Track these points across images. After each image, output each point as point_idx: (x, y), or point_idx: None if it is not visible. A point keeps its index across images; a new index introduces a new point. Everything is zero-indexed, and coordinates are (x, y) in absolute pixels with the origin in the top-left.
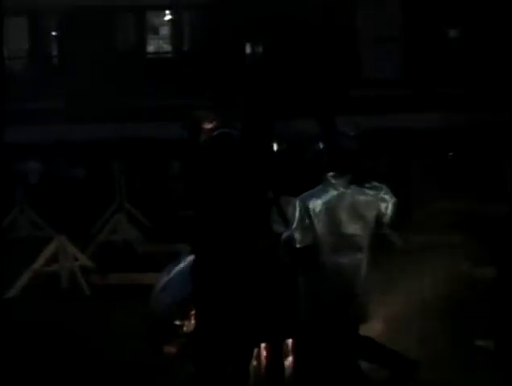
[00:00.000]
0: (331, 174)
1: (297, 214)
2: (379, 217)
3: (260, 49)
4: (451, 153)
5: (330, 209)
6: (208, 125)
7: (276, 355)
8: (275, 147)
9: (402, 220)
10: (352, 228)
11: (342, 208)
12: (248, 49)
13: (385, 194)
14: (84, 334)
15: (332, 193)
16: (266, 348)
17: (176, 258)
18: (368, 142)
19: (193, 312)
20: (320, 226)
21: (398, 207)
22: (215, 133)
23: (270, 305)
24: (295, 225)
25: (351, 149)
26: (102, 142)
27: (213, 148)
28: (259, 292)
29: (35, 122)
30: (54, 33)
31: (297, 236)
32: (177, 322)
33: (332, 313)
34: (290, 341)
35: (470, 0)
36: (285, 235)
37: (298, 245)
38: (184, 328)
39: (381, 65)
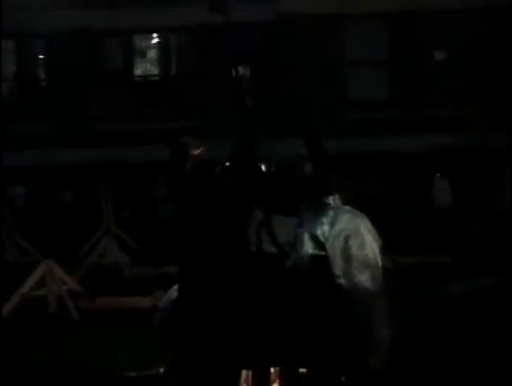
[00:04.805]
0: (331, 197)
1: (305, 243)
2: (375, 238)
3: (248, 72)
4: (438, 175)
5: (337, 233)
6: (196, 152)
7: (263, 382)
8: (264, 167)
9: (390, 241)
10: (358, 248)
11: (346, 230)
12: (235, 72)
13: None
14: (72, 357)
15: (335, 216)
16: (253, 376)
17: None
18: (356, 164)
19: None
20: (331, 251)
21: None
22: (195, 162)
23: (258, 328)
24: (302, 254)
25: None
26: (90, 166)
27: (193, 176)
28: (246, 314)
29: (22, 146)
30: (41, 56)
31: (307, 264)
32: None
33: (354, 333)
34: (276, 368)
35: (456, 23)
36: (291, 262)
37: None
38: None
39: (369, 88)
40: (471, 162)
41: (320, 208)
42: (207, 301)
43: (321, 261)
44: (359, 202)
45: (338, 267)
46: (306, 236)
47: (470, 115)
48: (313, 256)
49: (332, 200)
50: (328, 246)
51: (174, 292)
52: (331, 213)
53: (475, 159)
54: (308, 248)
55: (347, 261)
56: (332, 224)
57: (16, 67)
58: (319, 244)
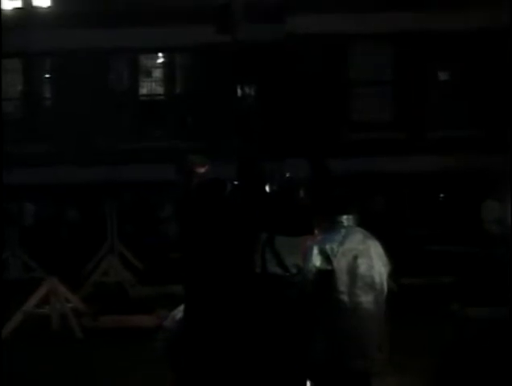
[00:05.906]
0: (345, 216)
1: (314, 257)
2: (384, 262)
3: (252, 92)
4: (442, 195)
5: (346, 250)
6: (201, 170)
7: None
8: (268, 188)
9: (395, 262)
10: (366, 269)
11: (356, 250)
12: (240, 92)
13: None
14: (75, 376)
15: (346, 234)
16: None
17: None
18: (360, 185)
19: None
20: (337, 267)
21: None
22: (205, 179)
23: (263, 347)
24: (309, 268)
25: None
26: (95, 185)
27: (202, 193)
28: (251, 334)
29: (29, 164)
30: (47, 75)
31: (313, 277)
32: None
33: (349, 352)
34: None
35: (461, 43)
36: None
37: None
38: None
39: (373, 108)
40: (473, 184)
41: (333, 226)
42: (212, 322)
43: (327, 276)
44: (362, 222)
45: (343, 283)
46: (315, 250)
47: (473, 136)
48: (320, 270)
49: (345, 220)
50: (335, 261)
51: (178, 312)
52: (343, 231)
53: (477, 180)
54: (316, 261)
55: (352, 280)
56: (342, 242)
57: (22, 86)
58: (326, 258)
